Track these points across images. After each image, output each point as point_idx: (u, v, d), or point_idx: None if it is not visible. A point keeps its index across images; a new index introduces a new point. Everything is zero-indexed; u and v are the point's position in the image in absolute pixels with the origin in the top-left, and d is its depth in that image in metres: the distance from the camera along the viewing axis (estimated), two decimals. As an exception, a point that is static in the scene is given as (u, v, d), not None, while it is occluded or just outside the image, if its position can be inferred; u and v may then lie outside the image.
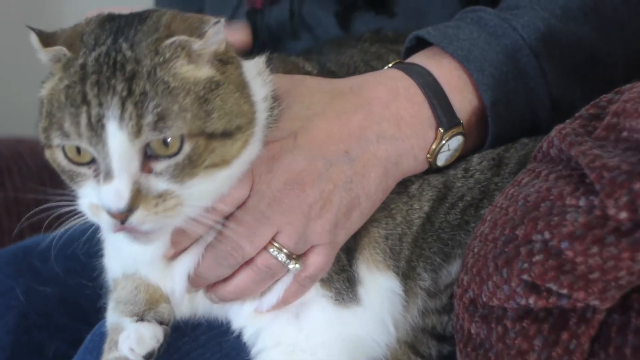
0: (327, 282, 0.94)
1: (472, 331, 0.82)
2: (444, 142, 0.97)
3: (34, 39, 0.84)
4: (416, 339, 0.99)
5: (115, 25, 0.84)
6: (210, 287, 0.93)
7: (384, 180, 0.94)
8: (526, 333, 0.76)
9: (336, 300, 0.94)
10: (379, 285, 0.96)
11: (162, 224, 0.82)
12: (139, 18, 0.85)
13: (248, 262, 0.90)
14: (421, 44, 1.03)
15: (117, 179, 0.79)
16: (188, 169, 0.81)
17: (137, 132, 0.78)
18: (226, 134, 0.83)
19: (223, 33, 0.84)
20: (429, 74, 0.98)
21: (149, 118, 0.78)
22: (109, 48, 0.81)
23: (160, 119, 0.78)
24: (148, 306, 0.93)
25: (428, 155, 0.97)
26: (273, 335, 0.94)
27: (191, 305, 0.97)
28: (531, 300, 0.75)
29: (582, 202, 0.74)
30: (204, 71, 0.83)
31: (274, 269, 0.91)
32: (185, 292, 0.94)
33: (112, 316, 0.94)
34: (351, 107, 0.94)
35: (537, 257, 0.75)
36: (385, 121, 0.94)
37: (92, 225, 0.90)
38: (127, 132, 0.78)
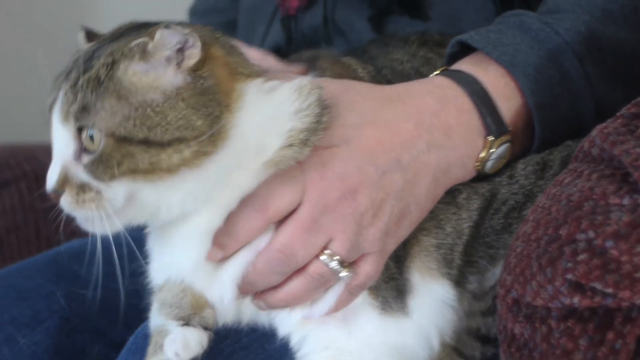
0: (374, 290, 0.94)
1: (516, 331, 0.81)
2: (492, 150, 0.97)
3: (80, 35, 0.93)
4: (460, 341, 0.99)
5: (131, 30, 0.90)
6: (259, 294, 0.93)
7: (433, 189, 0.94)
8: (571, 333, 0.76)
9: (382, 309, 0.94)
10: (432, 295, 0.96)
11: (88, 215, 0.86)
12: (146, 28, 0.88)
13: (299, 270, 0.91)
14: (463, 48, 1.03)
15: (54, 161, 0.86)
16: (103, 167, 0.84)
17: (65, 116, 0.84)
18: (153, 143, 0.84)
19: (197, 48, 0.85)
20: (476, 81, 0.98)
21: (74, 106, 0.84)
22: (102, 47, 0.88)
23: (85, 110, 0.83)
24: (193, 310, 0.93)
25: (477, 164, 0.97)
26: (321, 339, 0.94)
27: (237, 312, 0.97)
28: (576, 300, 0.75)
29: (625, 201, 0.74)
30: (147, 80, 0.84)
31: (326, 276, 0.91)
32: (234, 300, 0.94)
33: (157, 318, 0.95)
34: (402, 115, 0.94)
35: (582, 257, 0.75)
36: (435, 130, 0.94)
37: (134, 229, 0.92)
38: (59, 115, 0.85)
